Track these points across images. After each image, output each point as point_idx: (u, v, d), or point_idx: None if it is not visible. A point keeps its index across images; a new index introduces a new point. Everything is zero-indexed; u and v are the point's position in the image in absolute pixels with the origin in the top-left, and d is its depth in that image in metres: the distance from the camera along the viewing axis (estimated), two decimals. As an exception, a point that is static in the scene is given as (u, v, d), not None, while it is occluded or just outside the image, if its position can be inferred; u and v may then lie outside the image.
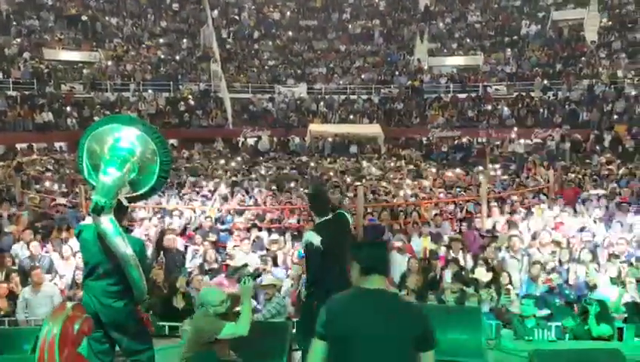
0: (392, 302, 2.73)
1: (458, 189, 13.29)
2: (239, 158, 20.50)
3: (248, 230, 9.29)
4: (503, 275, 6.86)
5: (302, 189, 12.84)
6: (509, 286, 6.74)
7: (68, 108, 24.80)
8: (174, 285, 6.70)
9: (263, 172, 16.73)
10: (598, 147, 21.08)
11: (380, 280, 2.71)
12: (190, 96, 27.41)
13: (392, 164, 19.18)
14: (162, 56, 29.99)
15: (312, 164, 18.50)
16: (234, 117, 27.06)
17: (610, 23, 29.11)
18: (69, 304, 2.36)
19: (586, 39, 28.97)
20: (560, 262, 7.52)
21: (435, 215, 10.45)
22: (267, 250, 8.51)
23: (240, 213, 10.59)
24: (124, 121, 4.38)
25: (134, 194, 4.27)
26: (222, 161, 19.35)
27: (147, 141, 4.19)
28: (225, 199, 11.63)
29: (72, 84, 26.49)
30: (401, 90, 28.69)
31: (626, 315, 6.13)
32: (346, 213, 4.69)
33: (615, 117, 23.04)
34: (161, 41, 31.31)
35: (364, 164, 19.05)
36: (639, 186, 12.42)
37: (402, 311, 2.70)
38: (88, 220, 4.83)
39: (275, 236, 9.02)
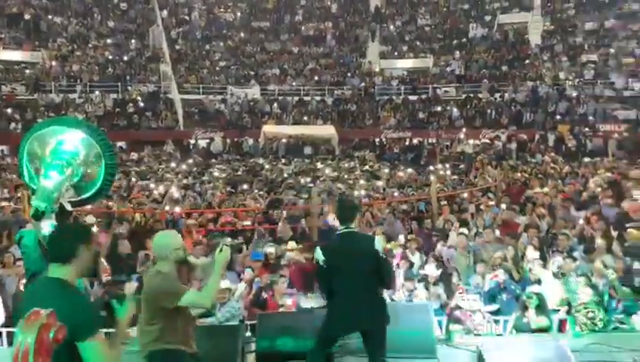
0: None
1: (410, 189, 13.55)
2: (191, 161, 20.18)
3: (201, 233, 9.16)
4: (452, 272, 7.03)
5: (256, 191, 12.78)
6: (458, 283, 6.92)
7: (9, 111, 23.77)
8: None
9: (216, 174, 16.53)
10: (542, 146, 21.95)
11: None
12: (139, 98, 26.75)
13: (346, 165, 19.34)
14: (110, 57, 29.15)
15: (267, 166, 18.42)
16: (185, 118, 26.62)
17: (552, 27, 30.34)
18: (44, 312, 2.29)
19: (530, 42, 30.13)
20: (506, 258, 7.77)
21: (388, 213, 10.61)
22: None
23: (192, 216, 10.43)
24: (68, 124, 4.24)
25: (78, 199, 4.13)
26: (172, 164, 19.01)
27: (92, 144, 4.06)
28: (176, 202, 11.42)
29: (14, 85, 25.41)
30: (354, 92, 29.00)
31: (567, 308, 6.39)
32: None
33: (558, 117, 24.02)
34: (108, 41, 30.40)
35: (319, 165, 19.14)
36: (580, 184, 12.97)
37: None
38: (29, 226, 4.65)
39: (228, 239, 8.91)
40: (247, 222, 9.99)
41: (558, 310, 6.57)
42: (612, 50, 26.02)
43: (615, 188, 11.77)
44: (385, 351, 4.07)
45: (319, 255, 4.10)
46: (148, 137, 25.21)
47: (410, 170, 17.75)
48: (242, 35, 33.41)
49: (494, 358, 4.10)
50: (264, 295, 6.75)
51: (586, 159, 18.59)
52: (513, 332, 5.93)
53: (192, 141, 25.41)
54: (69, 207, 3.99)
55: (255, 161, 20.45)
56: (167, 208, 10.67)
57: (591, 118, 22.92)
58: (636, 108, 21.89)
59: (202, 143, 25.18)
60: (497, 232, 8.91)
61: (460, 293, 6.60)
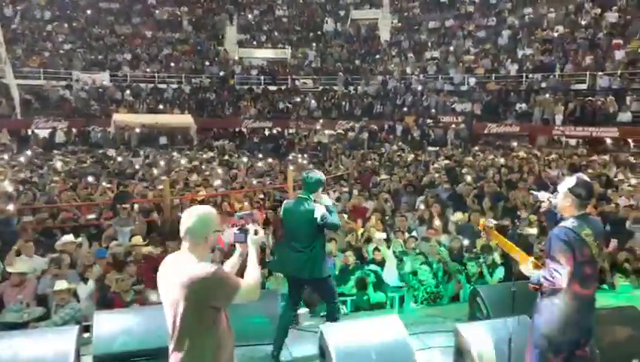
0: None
1: (268, 178, 13.67)
2: (29, 152, 18.31)
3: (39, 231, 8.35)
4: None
5: (105, 184, 11.95)
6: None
7: None
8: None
9: (58, 166, 15.17)
10: (391, 136, 23.46)
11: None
12: (-33, 82, 23.61)
13: (205, 156, 18.93)
14: None
15: (120, 159, 17.31)
16: (22, 106, 23.97)
17: (399, 24, 32.45)
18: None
19: (381, 38, 31.94)
20: (355, 241, 8.21)
21: (244, 203, 10.59)
22: (61, 252, 7.74)
23: (31, 212, 9.50)
24: None
25: None
26: (5, 156, 17.12)
27: None
28: (9, 198, 10.27)
29: None
30: (213, 81, 28.42)
31: (405, 284, 6.94)
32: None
33: (405, 109, 25.80)
34: None
35: (175, 155, 18.48)
36: (422, 170, 14.10)
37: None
38: None
39: (68, 237, 8.22)
40: (92, 216, 9.33)
41: (400, 286, 7.12)
42: (451, 48, 28.55)
43: (451, 173, 13.01)
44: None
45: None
46: (-22, 126, 22.34)
47: (269, 160, 17.90)
48: (89, 15, 30.95)
49: (334, 336, 4.30)
50: (110, 293, 6.38)
51: (430, 148, 20.24)
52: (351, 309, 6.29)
53: (31, 131, 23.04)
54: None
55: (104, 152, 19.13)
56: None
57: (433, 110, 24.97)
58: (471, 101, 24.28)
59: (43, 133, 22.93)
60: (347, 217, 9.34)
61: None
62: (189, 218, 2.85)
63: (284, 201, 5.21)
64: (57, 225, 9.09)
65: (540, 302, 3.51)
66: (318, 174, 4.87)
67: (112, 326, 4.60)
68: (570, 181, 3.54)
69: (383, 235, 8.13)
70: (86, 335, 4.88)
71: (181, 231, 2.85)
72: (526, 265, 3.61)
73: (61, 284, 6.19)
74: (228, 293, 2.80)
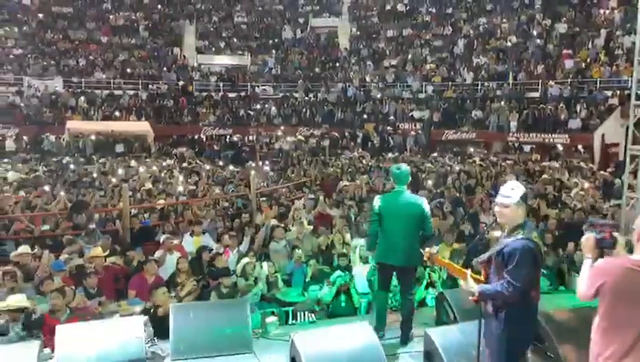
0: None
1: (231, 186, 13.51)
2: (-23, 161, 17.53)
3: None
4: (269, 264, 7.21)
5: (62, 193, 11.52)
6: (277, 274, 7.13)
7: None
8: None
9: (9, 176, 14.54)
10: (352, 143, 23.64)
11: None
12: None
13: (164, 163, 18.55)
14: None
15: (74, 167, 16.74)
16: (-31, 113, 23.02)
17: (358, 32, 32.81)
18: None
19: (340, 46, 32.22)
20: (326, 247, 8.22)
21: (207, 212, 10.43)
22: (15, 264, 7.40)
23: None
24: None
25: None
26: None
27: None
28: (-43, 209, 9.77)
29: None
30: (171, 87, 27.98)
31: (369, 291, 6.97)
32: None
33: (365, 117, 26.06)
34: None
35: (133, 163, 18.03)
36: (384, 176, 14.22)
37: None
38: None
39: (24, 248, 7.88)
40: (47, 227, 8.98)
41: (367, 293, 7.14)
42: (409, 56, 29.06)
43: (412, 179, 13.18)
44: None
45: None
46: None
47: (231, 167, 17.70)
48: (41, 19, 29.96)
49: (305, 345, 4.28)
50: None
51: (389, 155, 20.48)
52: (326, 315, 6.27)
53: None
54: None
55: (58, 160, 18.49)
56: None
57: (392, 117, 25.31)
58: (429, 108, 24.76)
59: (-8, 141, 22.02)
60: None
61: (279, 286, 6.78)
62: None
63: (381, 196, 5.53)
64: (10, 236, 8.70)
65: (492, 309, 3.53)
66: (405, 166, 5.35)
67: (75, 340, 4.43)
68: (517, 190, 3.53)
69: (360, 241, 8.10)
70: (47, 350, 4.67)
71: None
72: (466, 282, 3.62)
73: (15, 300, 5.85)
74: None
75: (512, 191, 3.53)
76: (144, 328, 4.85)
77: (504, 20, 27.79)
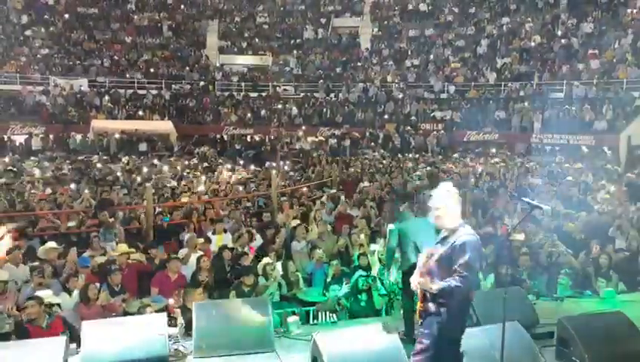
0: None
1: (252, 185, 13.59)
2: (6, 159, 17.93)
3: (16, 238, 8.12)
4: (289, 263, 7.23)
5: (87, 191, 11.72)
6: (297, 273, 7.15)
7: None
8: None
9: (36, 173, 14.87)
10: (372, 143, 23.58)
11: None
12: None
13: (186, 162, 18.76)
14: None
15: (99, 166, 17.03)
16: (-2, 111, 23.57)
17: (380, 32, 32.69)
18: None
19: (361, 46, 32.14)
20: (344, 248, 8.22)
21: (230, 211, 10.50)
22: (41, 260, 7.55)
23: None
24: None
25: None
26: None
27: None
28: (-14, 206, 10.03)
29: None
30: (194, 87, 28.25)
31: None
32: None
33: (386, 117, 25.95)
34: None
35: (156, 162, 18.27)
36: (403, 178, 14.17)
37: None
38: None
39: (52, 244, 8.03)
40: (73, 224, 9.14)
41: (386, 294, 7.11)
42: (431, 57, 28.87)
43: (433, 179, 13.11)
44: None
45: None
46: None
47: (252, 167, 17.81)
48: (67, 20, 30.51)
49: (327, 345, 4.28)
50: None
51: (410, 155, 20.40)
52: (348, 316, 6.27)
53: (7, 136, 22.58)
54: None
55: (85, 159, 18.82)
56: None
57: (413, 117, 25.18)
58: (451, 109, 24.57)
59: (19, 139, 22.50)
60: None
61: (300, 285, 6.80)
62: None
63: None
64: (36, 233, 8.88)
65: (434, 305, 3.60)
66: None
67: (100, 337, 4.51)
68: (451, 188, 3.69)
69: (377, 246, 8.09)
70: (72, 346, 4.76)
71: None
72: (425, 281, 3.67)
73: (46, 295, 5.96)
74: None
75: (444, 192, 3.69)
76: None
77: (528, 20, 27.41)
